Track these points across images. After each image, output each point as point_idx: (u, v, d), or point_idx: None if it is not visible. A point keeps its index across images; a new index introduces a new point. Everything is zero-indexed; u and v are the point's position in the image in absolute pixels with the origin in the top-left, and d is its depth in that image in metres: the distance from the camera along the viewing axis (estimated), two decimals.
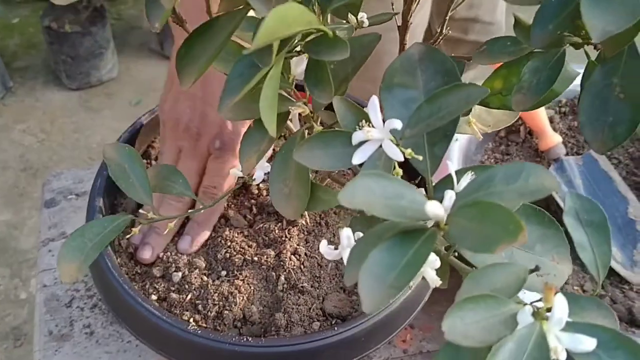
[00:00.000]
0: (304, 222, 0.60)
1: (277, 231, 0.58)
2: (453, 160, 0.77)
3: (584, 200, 0.34)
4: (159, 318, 0.49)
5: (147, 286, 0.55)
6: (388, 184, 0.29)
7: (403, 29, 0.47)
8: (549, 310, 0.28)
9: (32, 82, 2.27)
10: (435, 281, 0.33)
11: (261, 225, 0.59)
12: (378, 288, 0.26)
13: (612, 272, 0.77)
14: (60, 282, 0.69)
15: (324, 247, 0.38)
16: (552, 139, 0.85)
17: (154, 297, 0.54)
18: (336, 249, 0.37)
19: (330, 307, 0.54)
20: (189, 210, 0.57)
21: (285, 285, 0.55)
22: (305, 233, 0.59)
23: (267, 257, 0.57)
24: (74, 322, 0.65)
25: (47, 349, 0.63)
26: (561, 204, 0.81)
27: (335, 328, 0.50)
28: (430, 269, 0.32)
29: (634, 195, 0.83)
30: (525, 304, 0.28)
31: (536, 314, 0.28)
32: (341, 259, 0.37)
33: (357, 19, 0.46)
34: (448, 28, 0.48)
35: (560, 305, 0.28)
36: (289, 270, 0.56)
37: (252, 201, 0.63)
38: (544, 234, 0.35)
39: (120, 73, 2.33)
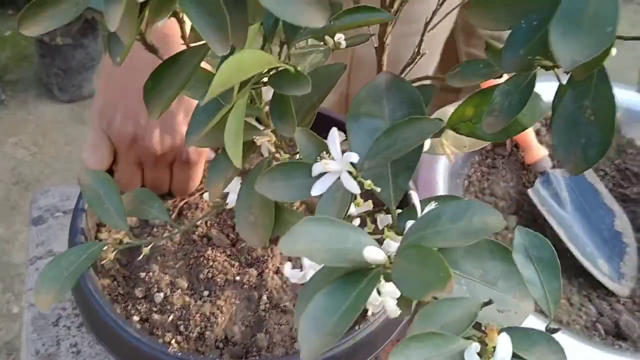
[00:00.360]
0: None
1: (259, 250, 0.58)
2: (439, 174, 0.77)
3: (533, 236, 0.34)
4: (139, 341, 0.49)
5: (129, 307, 0.55)
6: (331, 228, 0.28)
7: (380, 50, 0.47)
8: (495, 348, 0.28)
9: (24, 95, 2.27)
10: (394, 312, 0.33)
11: (244, 244, 0.59)
12: (317, 336, 0.26)
13: (598, 285, 0.77)
14: None
15: (288, 269, 0.38)
16: (538, 152, 0.85)
17: (136, 318, 0.54)
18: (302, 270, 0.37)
19: None
20: (164, 235, 0.57)
21: (267, 305, 0.55)
22: None
23: (249, 277, 0.56)
24: (60, 342, 0.65)
25: None
26: (548, 218, 0.81)
27: None
28: (391, 299, 0.32)
29: (620, 208, 0.83)
30: (473, 341, 0.28)
31: (483, 352, 0.28)
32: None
33: (334, 40, 0.46)
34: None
35: (503, 345, 0.28)
36: (271, 290, 0.56)
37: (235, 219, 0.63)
38: (508, 270, 0.34)
39: None
